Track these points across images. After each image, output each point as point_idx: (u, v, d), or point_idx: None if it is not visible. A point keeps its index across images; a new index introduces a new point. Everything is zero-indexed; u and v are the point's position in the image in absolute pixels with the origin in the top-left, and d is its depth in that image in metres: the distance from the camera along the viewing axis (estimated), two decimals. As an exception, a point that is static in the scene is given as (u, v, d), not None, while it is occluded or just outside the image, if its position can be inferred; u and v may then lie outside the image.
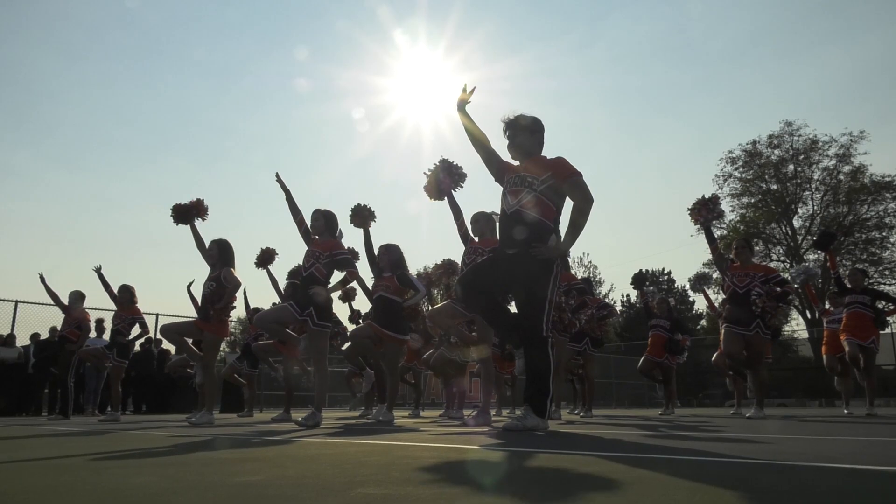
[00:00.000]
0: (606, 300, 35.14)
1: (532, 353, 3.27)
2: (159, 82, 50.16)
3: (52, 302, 8.14)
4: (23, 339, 11.03)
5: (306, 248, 4.93)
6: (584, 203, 3.35)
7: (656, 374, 8.52)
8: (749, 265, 6.16)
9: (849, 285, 7.23)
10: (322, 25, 52.38)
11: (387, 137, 50.87)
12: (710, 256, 6.59)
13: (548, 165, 3.43)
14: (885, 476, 1.48)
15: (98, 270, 7.24)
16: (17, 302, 11.47)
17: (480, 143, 3.75)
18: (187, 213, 5.71)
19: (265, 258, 7.30)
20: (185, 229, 5.75)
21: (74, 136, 49.48)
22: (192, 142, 55.13)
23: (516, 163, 3.62)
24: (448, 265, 6.77)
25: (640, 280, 8.56)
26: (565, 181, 3.36)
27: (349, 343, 6.61)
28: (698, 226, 6.26)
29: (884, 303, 7.59)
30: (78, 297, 8.12)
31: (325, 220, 4.92)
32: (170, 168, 53.19)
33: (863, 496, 1.21)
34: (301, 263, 4.94)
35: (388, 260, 5.71)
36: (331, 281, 4.83)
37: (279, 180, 5.13)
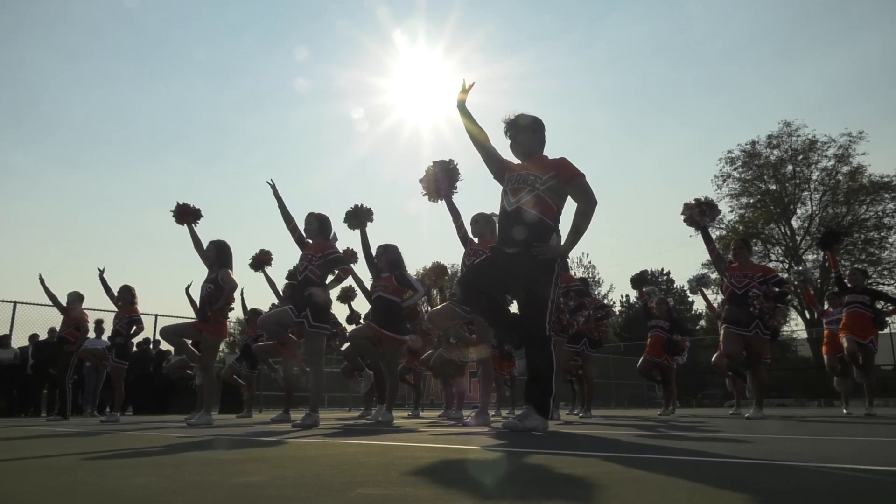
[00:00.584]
0: (605, 300, 35.20)
1: (534, 352, 3.27)
2: (159, 82, 50.20)
3: (50, 303, 8.13)
4: (22, 340, 11.04)
5: (301, 253, 4.95)
6: (587, 205, 3.35)
7: (655, 375, 8.54)
8: (748, 266, 6.16)
9: (849, 285, 7.24)
10: (322, 25, 52.43)
11: (386, 137, 50.97)
12: (709, 257, 6.57)
13: (550, 165, 3.43)
14: (884, 476, 1.48)
15: (101, 273, 7.24)
16: (15, 303, 11.46)
17: (480, 142, 3.74)
18: (188, 214, 5.73)
19: (260, 260, 7.29)
20: (185, 231, 5.78)
21: (74, 136, 49.51)
22: (191, 142, 55.17)
23: (517, 162, 3.62)
24: (437, 268, 6.79)
25: (639, 280, 8.57)
26: (569, 183, 3.36)
27: (348, 343, 6.62)
28: (695, 227, 6.24)
29: (883, 303, 7.59)
30: (76, 297, 8.12)
31: (318, 223, 4.95)
32: (170, 168, 53.22)
33: (862, 496, 1.21)
34: (297, 266, 4.97)
35: (387, 260, 5.73)
36: (326, 282, 4.87)
37: (273, 188, 5.14)
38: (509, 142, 3.58)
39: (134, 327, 7.36)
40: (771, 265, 29.46)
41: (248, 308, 8.39)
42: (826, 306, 8.21)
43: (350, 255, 6.49)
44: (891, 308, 7.47)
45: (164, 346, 12.48)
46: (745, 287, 5.93)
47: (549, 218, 3.37)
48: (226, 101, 54.06)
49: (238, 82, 53.36)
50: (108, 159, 51.24)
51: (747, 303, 5.87)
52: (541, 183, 3.37)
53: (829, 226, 26.77)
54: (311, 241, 4.97)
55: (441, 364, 6.57)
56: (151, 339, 12.56)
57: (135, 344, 10.73)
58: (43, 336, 10.68)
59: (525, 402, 3.26)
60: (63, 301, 8.07)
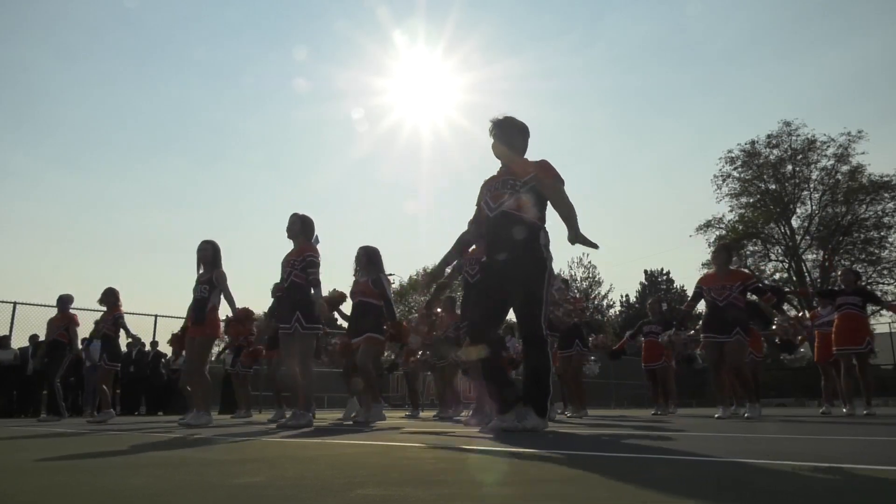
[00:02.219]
0: (605, 300, 35.17)
1: (531, 353, 3.27)
2: (159, 82, 49.79)
3: (49, 304, 8.25)
4: (22, 341, 11.01)
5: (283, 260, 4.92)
6: (567, 210, 3.37)
7: (657, 380, 8.65)
8: (726, 275, 6.03)
9: (842, 286, 7.23)
10: (321, 25, 52.14)
11: (386, 138, 50.70)
12: (708, 257, 6.59)
13: (533, 167, 3.45)
14: (884, 476, 1.48)
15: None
16: (15, 303, 11.44)
17: (468, 242, 3.89)
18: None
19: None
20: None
21: (74, 137, 49.13)
22: (191, 142, 54.75)
23: (496, 171, 3.64)
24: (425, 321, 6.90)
25: (616, 354, 8.67)
26: (549, 183, 3.38)
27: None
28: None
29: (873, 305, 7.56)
30: (68, 299, 8.16)
31: (301, 223, 4.91)
32: (170, 168, 52.90)
33: (863, 496, 1.21)
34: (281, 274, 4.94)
35: (367, 262, 5.76)
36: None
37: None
38: (492, 140, 3.58)
39: (120, 328, 7.42)
40: (770, 265, 29.58)
41: (241, 307, 8.40)
42: (817, 306, 8.16)
43: (339, 296, 6.51)
44: (878, 308, 7.47)
45: (162, 347, 12.53)
46: (726, 299, 5.85)
47: (533, 217, 3.39)
48: (226, 101, 53.75)
49: (238, 82, 53.09)
50: (108, 159, 50.96)
51: (729, 312, 5.82)
52: (521, 184, 3.40)
53: (825, 226, 26.92)
54: (292, 241, 4.95)
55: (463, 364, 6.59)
56: (150, 341, 12.54)
57: (126, 345, 10.84)
58: (43, 337, 10.66)
59: (523, 402, 3.26)
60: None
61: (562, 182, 3.38)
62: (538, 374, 3.23)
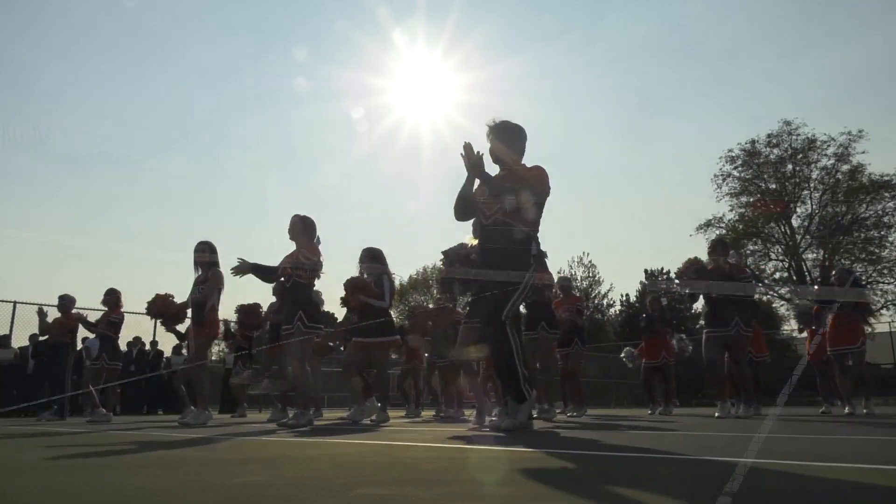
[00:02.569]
0: (605, 300, 35.12)
1: (492, 337, 3.30)
2: (159, 82, 49.86)
3: (50, 303, 8.28)
4: (22, 340, 11.01)
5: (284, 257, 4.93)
6: (530, 198, 3.38)
7: (657, 382, 8.60)
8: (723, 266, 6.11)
9: (836, 286, 7.22)
10: (321, 25, 52.05)
11: (386, 137, 50.61)
12: (707, 256, 6.66)
13: (526, 176, 3.46)
14: (884, 475, 1.48)
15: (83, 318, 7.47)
16: (15, 303, 11.44)
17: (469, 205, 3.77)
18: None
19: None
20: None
21: (74, 136, 49.22)
22: (191, 142, 54.84)
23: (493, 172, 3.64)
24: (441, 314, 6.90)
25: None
26: (537, 184, 3.40)
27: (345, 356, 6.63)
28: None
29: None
30: (69, 300, 8.18)
31: (302, 224, 4.92)
32: (170, 168, 52.97)
33: (863, 496, 1.21)
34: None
35: (369, 261, 5.77)
36: (315, 284, 4.89)
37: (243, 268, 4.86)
38: (489, 146, 3.60)
39: (116, 328, 7.46)
40: (770, 264, 29.58)
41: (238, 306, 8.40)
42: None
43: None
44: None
45: (161, 346, 12.54)
46: None
47: (525, 226, 3.41)
48: (226, 101, 53.77)
49: (238, 82, 53.08)
50: (108, 159, 51.03)
51: (724, 304, 5.85)
52: (513, 190, 3.42)
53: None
54: (294, 241, 4.96)
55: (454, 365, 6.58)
56: (149, 340, 12.53)
57: (126, 344, 10.91)
58: (43, 336, 10.66)
59: (504, 395, 3.29)
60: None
61: (547, 191, 3.42)
62: (504, 360, 3.28)
